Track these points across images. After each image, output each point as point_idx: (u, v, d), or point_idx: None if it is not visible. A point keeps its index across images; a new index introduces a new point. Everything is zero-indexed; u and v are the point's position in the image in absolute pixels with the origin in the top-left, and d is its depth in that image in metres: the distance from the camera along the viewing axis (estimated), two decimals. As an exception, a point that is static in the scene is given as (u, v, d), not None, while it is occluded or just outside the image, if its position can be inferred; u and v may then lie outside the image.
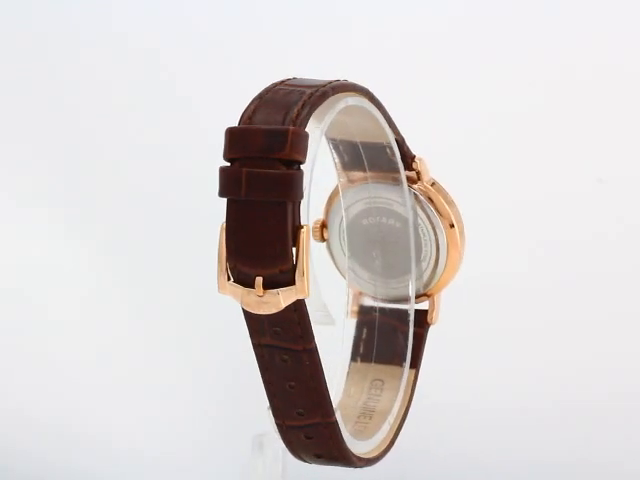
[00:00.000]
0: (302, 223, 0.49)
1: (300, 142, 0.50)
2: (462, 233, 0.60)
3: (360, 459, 0.58)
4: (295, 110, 0.50)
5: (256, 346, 0.53)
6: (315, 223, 0.63)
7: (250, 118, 0.50)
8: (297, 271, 0.49)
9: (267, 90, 0.52)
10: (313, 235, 0.63)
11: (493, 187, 0.86)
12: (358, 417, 0.61)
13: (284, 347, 0.52)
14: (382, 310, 0.63)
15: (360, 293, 0.63)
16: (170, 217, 0.89)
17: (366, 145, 0.59)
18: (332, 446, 0.55)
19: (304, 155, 0.50)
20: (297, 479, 0.61)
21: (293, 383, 0.53)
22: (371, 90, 0.56)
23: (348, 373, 0.62)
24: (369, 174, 0.60)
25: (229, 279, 0.50)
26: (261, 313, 0.50)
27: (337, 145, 0.59)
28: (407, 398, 0.62)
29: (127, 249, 0.90)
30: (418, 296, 0.62)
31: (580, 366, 0.85)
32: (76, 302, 0.88)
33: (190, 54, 0.90)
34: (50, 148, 0.90)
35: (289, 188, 0.49)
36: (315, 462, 0.57)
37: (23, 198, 0.90)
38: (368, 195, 0.61)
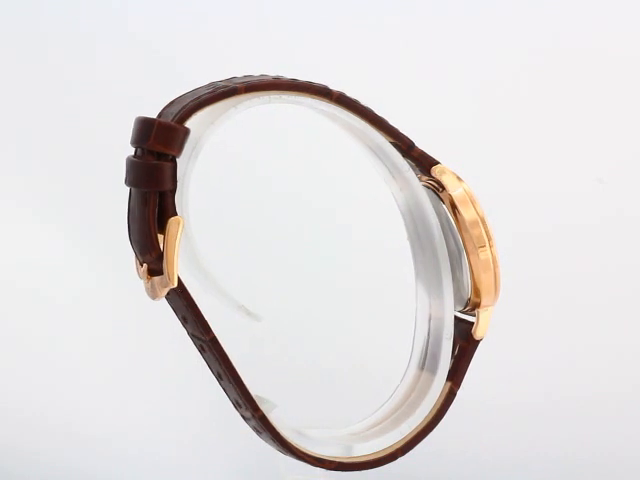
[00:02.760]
0: (179, 214, 0.51)
1: (166, 134, 0.51)
2: (481, 238, 0.58)
3: (321, 461, 0.58)
4: (188, 104, 0.51)
5: (188, 334, 0.56)
6: None
7: (166, 109, 0.52)
8: (163, 260, 0.51)
9: (204, 85, 0.53)
10: None
11: (492, 188, 0.86)
12: (391, 421, 0.61)
13: (196, 335, 0.55)
14: (432, 319, 0.62)
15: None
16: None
17: (377, 149, 0.58)
18: (274, 443, 0.57)
19: (174, 148, 0.51)
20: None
21: (219, 373, 0.56)
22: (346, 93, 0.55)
23: (412, 380, 0.62)
24: (399, 182, 0.59)
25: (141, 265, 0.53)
26: (151, 299, 0.53)
27: (368, 151, 0.58)
28: (434, 412, 0.60)
29: (128, 249, 0.90)
30: (468, 308, 0.60)
31: (580, 364, 0.85)
32: (77, 303, 0.89)
33: (196, 56, 0.90)
34: (50, 149, 0.90)
35: (152, 178, 0.51)
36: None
37: (23, 198, 0.90)
38: (408, 202, 0.59)
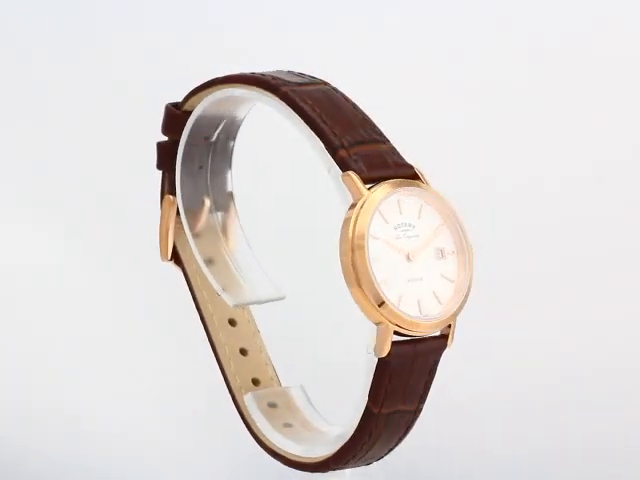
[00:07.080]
0: (177, 194, 0.57)
1: (167, 119, 0.57)
2: (347, 266, 0.50)
3: (276, 455, 0.59)
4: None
5: None
6: None
7: None
8: None
9: None
10: None
11: (491, 188, 0.86)
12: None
13: None
14: None
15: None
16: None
17: None
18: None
19: (172, 131, 0.57)
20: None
21: None
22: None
23: None
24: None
25: None
26: None
27: None
28: (354, 429, 0.54)
29: (128, 249, 0.90)
30: None
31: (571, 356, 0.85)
32: (76, 303, 0.89)
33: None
34: (50, 148, 0.90)
35: (159, 159, 0.58)
36: None
37: (23, 198, 0.90)
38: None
